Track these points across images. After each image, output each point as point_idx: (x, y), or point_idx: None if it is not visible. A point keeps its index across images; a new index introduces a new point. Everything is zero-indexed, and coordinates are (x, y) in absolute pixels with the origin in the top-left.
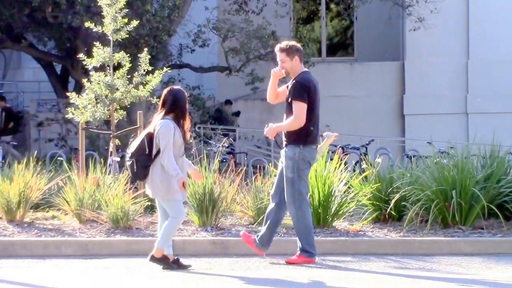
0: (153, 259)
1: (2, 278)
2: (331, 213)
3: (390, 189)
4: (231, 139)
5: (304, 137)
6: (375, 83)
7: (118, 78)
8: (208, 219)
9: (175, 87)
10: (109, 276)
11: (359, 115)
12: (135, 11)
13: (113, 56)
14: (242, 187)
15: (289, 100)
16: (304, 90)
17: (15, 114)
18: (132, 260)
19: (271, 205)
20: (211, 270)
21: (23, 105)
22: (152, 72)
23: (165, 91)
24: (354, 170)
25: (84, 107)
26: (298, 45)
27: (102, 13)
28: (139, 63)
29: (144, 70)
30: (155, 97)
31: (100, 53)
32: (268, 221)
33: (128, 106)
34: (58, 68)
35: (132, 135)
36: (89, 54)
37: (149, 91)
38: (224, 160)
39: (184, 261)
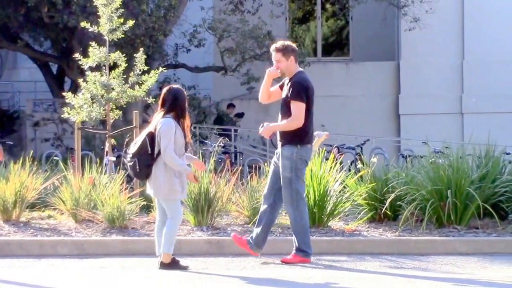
0: (164, 265)
1: None
2: (327, 213)
3: (386, 188)
4: (226, 139)
5: (301, 137)
6: (370, 83)
7: (114, 78)
8: (203, 218)
9: (174, 85)
10: (105, 275)
11: (355, 115)
12: (131, 11)
13: (109, 56)
14: (238, 187)
15: (288, 99)
16: (303, 90)
17: (8, 114)
18: (128, 259)
19: (264, 206)
20: (207, 270)
21: (19, 105)
22: (148, 72)
23: (164, 90)
24: (349, 170)
25: (80, 107)
26: (294, 45)
27: (98, 13)
28: (135, 63)
29: (140, 70)
30: (150, 97)
31: (96, 53)
32: (262, 222)
33: (124, 106)
34: (54, 68)
35: (128, 135)
36: (85, 54)
37: (145, 91)
38: (220, 160)
39: (182, 261)
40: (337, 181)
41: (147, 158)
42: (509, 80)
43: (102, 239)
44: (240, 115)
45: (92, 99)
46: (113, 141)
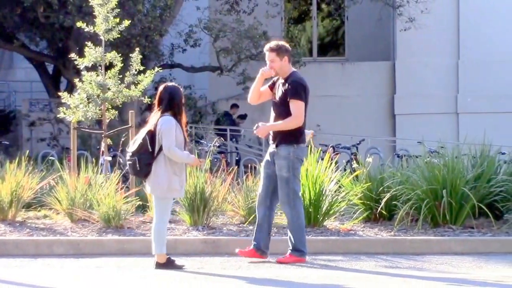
0: (159, 265)
1: None
2: (322, 213)
3: (381, 188)
4: (221, 139)
5: (297, 136)
6: (366, 83)
7: (109, 77)
8: (199, 218)
9: (170, 84)
10: (101, 275)
11: (350, 115)
12: (126, 11)
13: (105, 56)
14: (233, 187)
15: (288, 99)
16: (302, 89)
17: (4, 113)
18: (124, 259)
19: (262, 211)
20: (203, 269)
21: (15, 105)
22: (144, 71)
23: (160, 88)
24: (345, 170)
25: (75, 107)
26: (287, 45)
27: (94, 13)
28: (130, 63)
29: (136, 70)
30: (146, 96)
31: (92, 53)
32: (265, 227)
33: (120, 106)
34: (50, 68)
35: (124, 135)
36: (81, 54)
37: (140, 91)
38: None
39: (177, 261)
40: (332, 180)
41: (147, 157)
42: (504, 80)
43: (98, 238)
44: (243, 117)
45: (88, 99)
46: (109, 141)
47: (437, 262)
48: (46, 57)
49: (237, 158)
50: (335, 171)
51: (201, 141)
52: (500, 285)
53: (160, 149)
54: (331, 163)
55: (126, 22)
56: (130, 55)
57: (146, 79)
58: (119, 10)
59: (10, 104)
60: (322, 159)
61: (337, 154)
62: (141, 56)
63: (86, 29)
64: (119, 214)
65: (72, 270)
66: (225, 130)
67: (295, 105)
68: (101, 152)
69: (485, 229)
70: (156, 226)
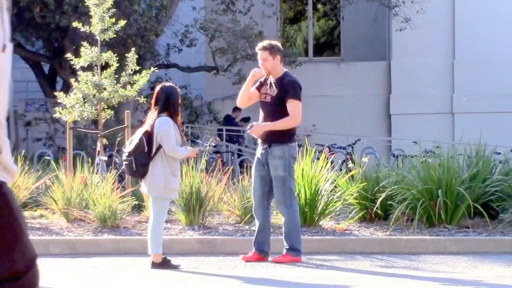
0: (155, 265)
1: None
2: (318, 212)
3: (377, 188)
4: (217, 139)
5: (291, 135)
6: (361, 83)
7: (105, 77)
8: (195, 218)
9: (167, 84)
10: (97, 275)
11: (346, 115)
12: (122, 11)
13: (101, 55)
14: (229, 186)
15: (283, 98)
16: (299, 89)
17: None
18: (120, 259)
19: (261, 212)
20: (199, 269)
21: (11, 105)
22: (140, 71)
23: (157, 88)
24: (340, 170)
25: (71, 107)
26: (280, 44)
27: (90, 13)
28: (126, 63)
29: (132, 70)
30: (142, 96)
31: (88, 52)
32: (267, 229)
33: (116, 106)
34: (46, 68)
35: (120, 134)
36: (77, 54)
37: (136, 91)
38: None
39: (173, 260)
40: (328, 180)
41: (143, 157)
42: (500, 80)
43: (93, 238)
44: (246, 120)
45: (83, 99)
46: (104, 140)
47: (433, 262)
48: (42, 57)
49: (232, 158)
50: (331, 171)
51: (197, 141)
52: (496, 285)
53: (157, 149)
54: (327, 163)
55: (122, 22)
56: (126, 55)
57: (142, 79)
58: (115, 10)
59: None
60: (318, 159)
61: (332, 154)
62: (137, 56)
63: (82, 29)
64: (115, 214)
65: (68, 270)
66: (228, 132)
67: (294, 105)
68: (97, 152)
69: (480, 228)
70: (152, 226)
